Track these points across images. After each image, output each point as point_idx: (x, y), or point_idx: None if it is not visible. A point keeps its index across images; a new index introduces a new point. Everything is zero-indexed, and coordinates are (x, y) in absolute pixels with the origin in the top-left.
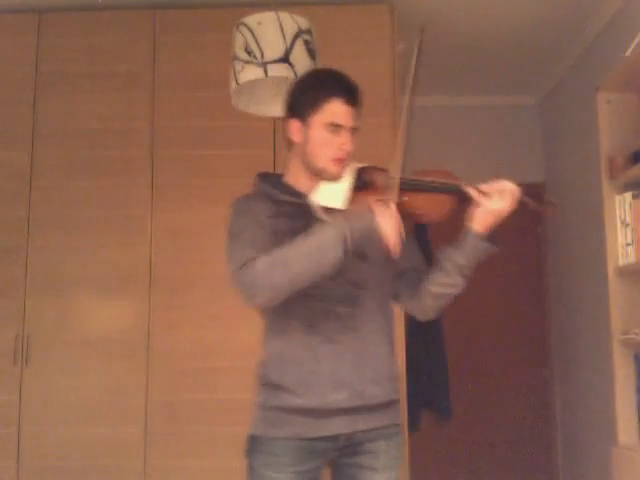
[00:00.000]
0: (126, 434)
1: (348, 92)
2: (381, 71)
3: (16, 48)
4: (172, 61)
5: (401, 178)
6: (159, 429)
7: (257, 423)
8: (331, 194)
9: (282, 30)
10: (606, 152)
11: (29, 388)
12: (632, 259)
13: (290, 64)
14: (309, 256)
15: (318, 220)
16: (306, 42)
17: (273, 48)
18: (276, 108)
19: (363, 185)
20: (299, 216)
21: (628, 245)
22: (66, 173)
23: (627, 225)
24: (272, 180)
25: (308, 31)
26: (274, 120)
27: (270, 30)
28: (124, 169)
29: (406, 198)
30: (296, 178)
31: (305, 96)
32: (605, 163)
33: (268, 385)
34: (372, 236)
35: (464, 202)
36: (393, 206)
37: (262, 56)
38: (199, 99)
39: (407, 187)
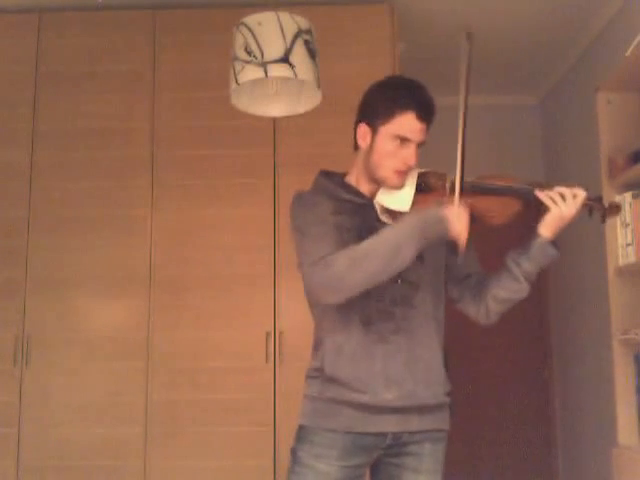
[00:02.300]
0: (126, 434)
1: (422, 107)
2: (381, 71)
3: (16, 48)
4: (172, 61)
5: (464, 181)
6: (159, 429)
7: (308, 413)
8: (396, 198)
9: (282, 30)
10: (606, 152)
11: (29, 388)
12: (632, 259)
13: (290, 64)
14: (388, 254)
15: (377, 220)
16: (306, 42)
17: (273, 48)
18: (276, 108)
19: (425, 189)
20: (359, 215)
21: (628, 245)
22: (66, 173)
23: (627, 225)
24: (335, 178)
25: (308, 31)
26: (274, 120)
27: (270, 30)
28: (124, 169)
29: (470, 200)
30: (357, 179)
31: (379, 104)
32: (605, 163)
33: (322, 377)
34: (444, 235)
35: (531, 205)
36: (462, 206)
37: (262, 56)
38: (199, 99)
39: (471, 190)
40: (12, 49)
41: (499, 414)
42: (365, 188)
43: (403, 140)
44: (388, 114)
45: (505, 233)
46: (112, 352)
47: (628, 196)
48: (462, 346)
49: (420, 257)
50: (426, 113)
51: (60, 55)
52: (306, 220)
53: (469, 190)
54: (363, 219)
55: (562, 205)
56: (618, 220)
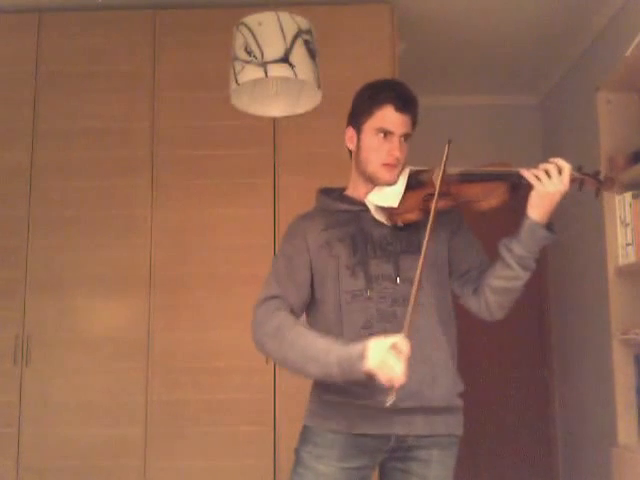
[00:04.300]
0: (126, 434)
1: (400, 99)
2: (381, 71)
3: (16, 48)
4: (172, 61)
5: (449, 173)
6: (159, 429)
7: (310, 414)
8: (386, 195)
9: (282, 30)
10: (606, 152)
11: (29, 388)
12: (632, 259)
13: (290, 64)
14: (298, 360)
15: (374, 222)
16: (306, 42)
17: (273, 48)
18: (276, 108)
19: (416, 185)
20: (353, 222)
21: (628, 245)
22: (66, 173)
23: (627, 225)
24: (331, 193)
25: (308, 31)
26: (274, 120)
27: (270, 30)
28: (124, 169)
29: (453, 189)
30: (355, 187)
31: (360, 104)
32: (605, 163)
33: (322, 382)
34: (360, 377)
35: (519, 188)
36: (404, 343)
37: (262, 56)
38: (199, 99)
39: (459, 179)
40: (12, 49)
41: (499, 414)
42: (363, 192)
43: (386, 133)
44: (369, 111)
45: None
46: (112, 352)
47: (628, 196)
48: (462, 346)
49: (419, 252)
50: (404, 104)
51: (60, 55)
52: (283, 250)
53: (456, 180)
54: (358, 226)
55: (547, 182)
56: (618, 220)
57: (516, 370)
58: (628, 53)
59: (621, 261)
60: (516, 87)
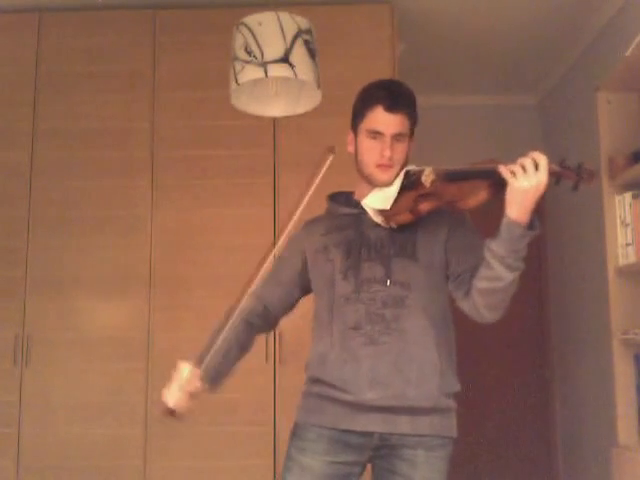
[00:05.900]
0: (126, 434)
1: (389, 99)
2: (381, 71)
3: (16, 48)
4: (172, 61)
5: (437, 171)
6: (159, 429)
7: (299, 410)
8: (381, 197)
9: (282, 30)
10: (606, 152)
11: (29, 388)
12: (632, 259)
13: (290, 64)
14: None
15: (372, 225)
16: (306, 42)
17: (273, 48)
18: (276, 108)
19: (410, 186)
20: (352, 226)
21: (628, 245)
22: (66, 173)
23: (627, 225)
24: (338, 197)
25: (308, 31)
26: (274, 120)
27: (270, 30)
28: (124, 169)
29: (438, 189)
30: (359, 190)
31: (355, 107)
32: (605, 163)
33: (310, 378)
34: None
35: (502, 185)
36: (183, 370)
37: (262, 56)
38: (199, 99)
39: (443, 178)
40: (12, 49)
41: (499, 414)
42: (365, 194)
43: (377, 134)
44: (361, 114)
45: None
46: (112, 352)
47: (628, 196)
48: (462, 346)
49: (415, 256)
50: (393, 104)
51: (60, 55)
52: (283, 251)
53: (441, 179)
54: (357, 229)
55: (521, 177)
56: (618, 220)
57: (516, 370)
58: (628, 53)
59: (621, 261)
60: (516, 87)
